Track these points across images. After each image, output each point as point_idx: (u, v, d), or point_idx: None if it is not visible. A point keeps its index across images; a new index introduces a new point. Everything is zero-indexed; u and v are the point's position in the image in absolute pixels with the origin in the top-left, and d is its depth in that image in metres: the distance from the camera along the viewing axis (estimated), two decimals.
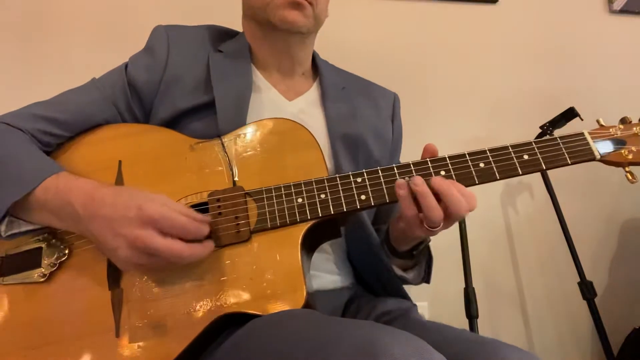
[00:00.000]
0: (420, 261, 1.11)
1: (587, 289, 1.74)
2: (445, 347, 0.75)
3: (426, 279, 1.14)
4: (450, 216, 0.87)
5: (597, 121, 0.97)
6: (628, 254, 2.04)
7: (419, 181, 0.86)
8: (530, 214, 2.02)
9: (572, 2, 2.18)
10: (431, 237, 1.03)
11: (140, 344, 0.82)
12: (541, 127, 1.80)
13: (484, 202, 1.97)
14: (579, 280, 1.76)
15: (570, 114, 1.74)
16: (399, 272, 1.08)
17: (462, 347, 0.77)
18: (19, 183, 0.85)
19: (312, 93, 1.20)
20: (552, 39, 2.14)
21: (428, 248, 1.10)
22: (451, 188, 0.86)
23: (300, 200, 0.90)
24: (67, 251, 0.90)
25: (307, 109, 1.15)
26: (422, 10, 2.08)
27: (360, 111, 1.20)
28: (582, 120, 1.69)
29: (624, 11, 2.20)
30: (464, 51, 2.08)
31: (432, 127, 1.96)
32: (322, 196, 0.90)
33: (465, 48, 2.09)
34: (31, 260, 0.89)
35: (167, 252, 0.77)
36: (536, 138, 1.77)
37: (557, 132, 1.76)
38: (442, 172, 0.91)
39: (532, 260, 1.99)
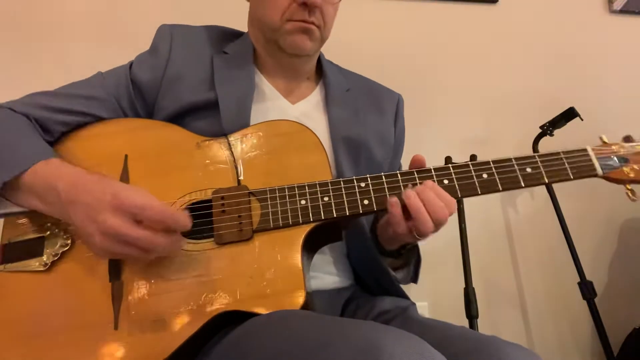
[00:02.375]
0: (410, 261, 1.11)
1: (587, 289, 1.74)
2: (445, 345, 0.76)
3: (414, 279, 1.15)
4: (435, 223, 0.89)
5: (600, 138, 0.99)
6: (628, 254, 2.05)
7: (411, 194, 0.89)
8: (530, 214, 2.02)
9: (572, 2, 2.18)
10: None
11: (139, 337, 0.82)
12: (541, 127, 1.81)
13: (484, 202, 1.97)
14: (579, 280, 1.76)
15: (570, 114, 1.74)
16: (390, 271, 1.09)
17: (463, 345, 0.77)
18: (9, 165, 0.86)
19: (316, 96, 1.21)
20: (552, 39, 2.15)
21: (417, 247, 1.10)
22: (436, 199, 0.88)
23: (303, 202, 0.90)
24: (69, 242, 0.90)
25: (309, 112, 1.16)
26: (422, 10, 2.08)
27: (364, 113, 1.20)
28: (582, 120, 1.69)
29: (624, 11, 2.20)
30: (464, 51, 2.09)
31: (432, 127, 1.96)
32: (326, 199, 0.90)
33: (465, 48, 2.09)
34: (33, 248, 0.90)
35: (136, 240, 0.77)
36: (536, 138, 1.79)
37: (558, 132, 1.77)
38: (445, 181, 0.92)
39: (532, 260, 2.00)
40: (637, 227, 2.06)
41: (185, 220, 0.81)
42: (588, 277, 1.76)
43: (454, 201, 0.90)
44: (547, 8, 2.16)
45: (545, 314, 1.97)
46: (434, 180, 0.92)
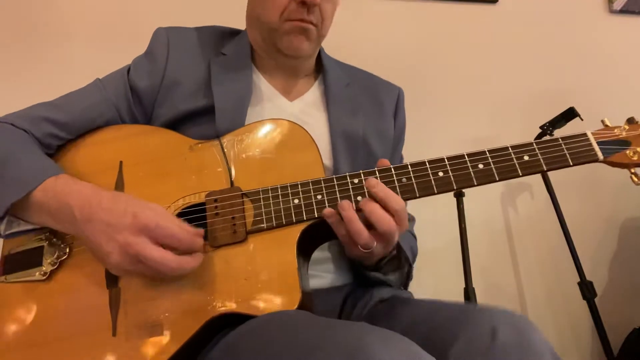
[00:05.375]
0: (402, 266, 1.09)
1: (587, 289, 1.74)
2: (430, 316, 0.79)
3: (405, 284, 1.14)
4: (383, 235, 0.87)
5: (602, 121, 0.95)
6: (628, 254, 2.05)
7: (346, 205, 0.87)
8: (530, 214, 2.02)
9: (572, 2, 2.18)
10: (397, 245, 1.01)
11: (136, 343, 0.82)
12: (541, 127, 1.80)
13: (484, 202, 1.97)
14: (579, 280, 1.76)
15: (570, 114, 1.74)
16: (379, 275, 1.08)
17: (447, 313, 0.79)
18: (18, 184, 0.86)
19: (314, 92, 1.20)
20: (552, 39, 2.14)
21: (404, 255, 1.07)
22: (375, 208, 0.86)
23: (296, 201, 0.90)
24: (67, 250, 0.91)
25: (308, 109, 1.16)
26: (422, 10, 2.08)
27: (363, 109, 1.20)
28: (582, 120, 1.69)
29: (624, 11, 2.19)
30: (464, 51, 2.09)
31: (432, 127, 1.96)
32: (319, 197, 0.90)
33: (465, 48, 2.09)
34: (33, 258, 0.90)
35: (157, 262, 0.78)
36: (536, 138, 1.79)
37: (558, 132, 1.77)
38: (440, 173, 0.90)
39: (532, 260, 2.00)
40: (637, 227, 2.05)
41: (200, 245, 0.83)
42: (588, 277, 1.76)
43: (401, 209, 0.87)
44: (547, 8, 2.15)
45: (545, 314, 1.97)
46: (428, 174, 0.90)
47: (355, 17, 1.97)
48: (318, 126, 1.07)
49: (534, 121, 1.83)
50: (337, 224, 0.88)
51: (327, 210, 0.88)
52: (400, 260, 1.08)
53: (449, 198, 1.76)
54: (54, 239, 0.92)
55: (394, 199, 0.87)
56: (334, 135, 1.11)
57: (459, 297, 1.66)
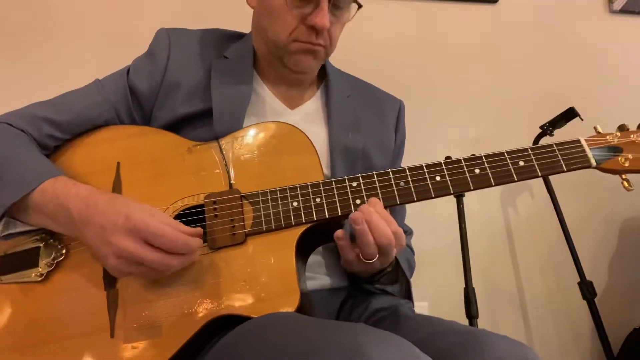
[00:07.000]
0: (400, 279, 1.10)
1: (587, 289, 1.74)
2: (436, 339, 0.78)
3: (408, 297, 1.13)
4: (381, 248, 0.90)
5: (595, 128, 0.98)
6: (628, 254, 2.04)
7: (359, 220, 0.87)
8: (530, 214, 2.02)
9: (572, 2, 2.17)
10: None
11: (134, 344, 0.83)
12: (541, 127, 1.80)
13: (484, 202, 1.97)
14: (579, 280, 1.76)
15: (570, 114, 1.74)
16: (379, 286, 1.09)
17: (453, 339, 0.78)
18: (17, 185, 0.87)
19: (316, 102, 1.20)
20: (552, 39, 2.14)
21: (401, 270, 1.08)
22: (380, 222, 0.87)
23: (295, 203, 0.90)
24: (64, 251, 0.91)
25: (309, 118, 1.15)
26: (422, 10, 2.07)
27: (364, 121, 1.19)
28: (582, 120, 1.68)
29: (624, 11, 2.18)
30: (464, 51, 2.08)
31: (431, 127, 1.96)
32: (318, 200, 0.91)
33: (465, 48, 2.08)
34: (29, 259, 0.91)
35: (151, 263, 0.78)
36: (536, 138, 1.79)
37: (558, 132, 1.76)
38: (437, 178, 0.92)
39: (532, 260, 2.00)
40: (637, 227, 2.05)
41: (196, 245, 0.82)
42: (588, 277, 1.76)
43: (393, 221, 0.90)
44: (547, 8, 2.15)
45: (545, 314, 1.97)
46: (426, 177, 0.92)
47: (355, 17, 1.96)
48: (318, 137, 1.06)
49: (534, 121, 1.83)
50: (346, 247, 0.92)
51: (339, 232, 0.91)
52: (397, 274, 1.08)
53: (448, 198, 1.76)
54: (51, 240, 0.92)
55: (394, 222, 0.90)
56: (333, 147, 1.11)
57: (459, 297, 1.66)
